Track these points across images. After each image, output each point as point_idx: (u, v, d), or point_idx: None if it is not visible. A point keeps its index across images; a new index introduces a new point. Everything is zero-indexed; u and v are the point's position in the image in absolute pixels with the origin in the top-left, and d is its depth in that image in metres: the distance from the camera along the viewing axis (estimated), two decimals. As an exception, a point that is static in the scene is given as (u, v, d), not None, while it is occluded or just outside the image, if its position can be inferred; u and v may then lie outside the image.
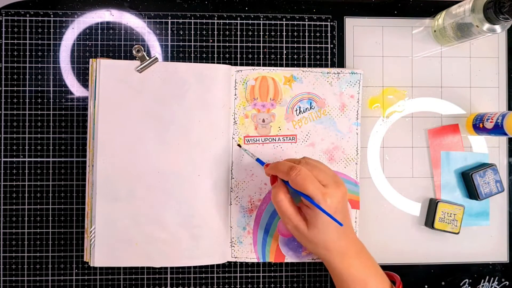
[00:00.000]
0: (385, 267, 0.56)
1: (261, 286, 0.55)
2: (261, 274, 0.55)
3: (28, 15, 0.54)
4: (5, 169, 0.54)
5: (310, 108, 0.55)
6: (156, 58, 0.53)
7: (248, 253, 0.54)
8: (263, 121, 0.55)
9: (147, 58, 0.53)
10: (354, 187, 0.55)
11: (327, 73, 0.55)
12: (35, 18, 0.54)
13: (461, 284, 0.57)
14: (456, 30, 0.52)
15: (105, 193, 0.52)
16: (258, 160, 0.53)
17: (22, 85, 0.54)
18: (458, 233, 0.55)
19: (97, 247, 0.52)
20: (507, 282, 0.57)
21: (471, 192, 0.55)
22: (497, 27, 0.48)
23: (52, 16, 0.54)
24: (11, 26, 0.54)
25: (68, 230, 0.54)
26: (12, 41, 0.54)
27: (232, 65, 0.55)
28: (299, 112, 0.55)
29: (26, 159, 0.54)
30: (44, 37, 0.54)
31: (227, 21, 0.56)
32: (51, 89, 0.54)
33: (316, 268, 0.56)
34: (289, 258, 0.55)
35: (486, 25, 0.48)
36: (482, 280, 0.57)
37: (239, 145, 0.54)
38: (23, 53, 0.54)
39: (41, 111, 0.54)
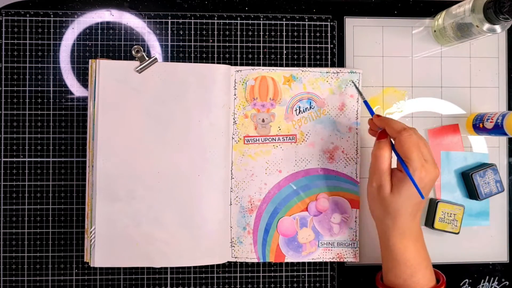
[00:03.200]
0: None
1: (261, 286, 0.55)
2: (261, 274, 0.55)
3: (28, 15, 0.54)
4: (5, 169, 0.54)
5: (310, 108, 0.55)
6: (156, 59, 0.53)
7: (248, 253, 0.54)
8: (263, 121, 0.55)
9: (147, 58, 0.53)
10: (354, 187, 0.55)
11: (326, 72, 0.55)
12: (35, 18, 0.54)
13: (461, 284, 0.57)
14: (456, 30, 0.52)
15: (105, 193, 0.52)
16: (366, 103, 0.51)
17: (22, 85, 0.54)
18: (458, 233, 0.55)
19: (97, 247, 0.52)
20: (507, 282, 0.57)
21: (471, 192, 0.55)
22: (497, 27, 0.48)
23: (52, 16, 0.54)
24: (11, 26, 0.54)
25: (68, 230, 0.54)
26: (12, 41, 0.54)
27: (232, 65, 0.55)
28: (299, 112, 0.55)
29: (26, 159, 0.54)
30: (44, 37, 0.54)
31: (227, 21, 0.56)
32: (51, 89, 0.54)
33: (316, 268, 0.56)
34: (289, 258, 0.55)
35: (486, 25, 0.48)
36: (482, 280, 0.57)
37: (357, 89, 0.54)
38: (23, 53, 0.54)
39: (41, 111, 0.54)
